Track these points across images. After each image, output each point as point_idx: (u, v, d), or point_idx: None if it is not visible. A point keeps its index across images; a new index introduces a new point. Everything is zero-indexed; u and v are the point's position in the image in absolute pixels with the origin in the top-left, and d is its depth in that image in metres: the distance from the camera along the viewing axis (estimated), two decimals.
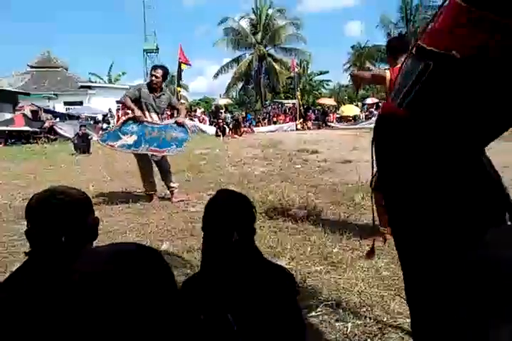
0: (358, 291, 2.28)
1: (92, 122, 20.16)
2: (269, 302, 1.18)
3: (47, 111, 19.53)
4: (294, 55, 31.88)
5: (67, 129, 16.54)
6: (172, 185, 4.82)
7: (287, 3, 78.85)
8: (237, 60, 33.91)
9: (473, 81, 0.97)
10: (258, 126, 22.81)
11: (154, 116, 4.71)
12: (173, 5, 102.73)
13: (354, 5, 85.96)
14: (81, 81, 28.35)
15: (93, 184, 5.81)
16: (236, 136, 17.26)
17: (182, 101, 20.05)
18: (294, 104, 24.69)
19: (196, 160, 8.27)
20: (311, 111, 25.78)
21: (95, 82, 31.05)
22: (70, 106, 25.06)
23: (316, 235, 3.30)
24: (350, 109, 25.80)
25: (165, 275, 0.63)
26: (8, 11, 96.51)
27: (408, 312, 2.01)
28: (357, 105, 27.72)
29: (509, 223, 1.07)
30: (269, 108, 28.46)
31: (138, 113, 4.57)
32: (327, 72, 37.83)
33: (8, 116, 17.77)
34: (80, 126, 12.84)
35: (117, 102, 23.48)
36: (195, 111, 25.15)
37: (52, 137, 16.24)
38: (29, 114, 17.17)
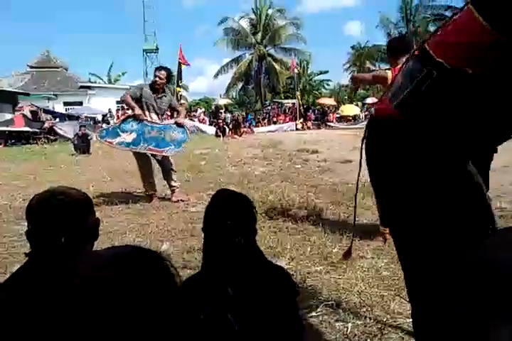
0: (358, 291, 2.28)
1: (91, 122, 20.15)
2: (270, 302, 1.18)
3: (46, 111, 19.51)
4: (293, 55, 31.83)
5: (66, 130, 16.53)
6: (173, 183, 4.82)
7: (287, 3, 79.24)
8: (237, 60, 33.89)
9: (478, 94, 0.98)
10: (258, 126, 22.80)
11: (154, 116, 4.71)
12: (173, 5, 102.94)
13: (354, 5, 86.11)
14: (81, 81, 28.34)
15: (93, 184, 5.80)
16: (236, 136, 17.25)
17: (182, 101, 20.04)
18: (293, 104, 24.69)
19: (196, 160, 8.27)
20: (311, 111, 25.79)
21: (95, 83, 31.04)
22: (70, 107, 25.05)
23: (316, 235, 3.30)
24: (350, 109, 25.81)
25: (165, 278, 0.63)
26: (8, 11, 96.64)
27: (408, 312, 2.02)
28: (357, 105, 27.72)
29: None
30: (269, 108, 28.44)
31: (138, 111, 4.57)
32: (327, 71, 37.88)
33: (8, 116, 17.75)
34: (80, 127, 12.82)
35: (117, 102, 23.52)
36: (196, 111, 25.14)
37: (52, 137, 16.23)
38: (28, 115, 17.15)
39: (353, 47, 35.01)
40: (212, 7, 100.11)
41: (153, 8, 39.40)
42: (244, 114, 25.45)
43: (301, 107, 23.76)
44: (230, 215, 1.23)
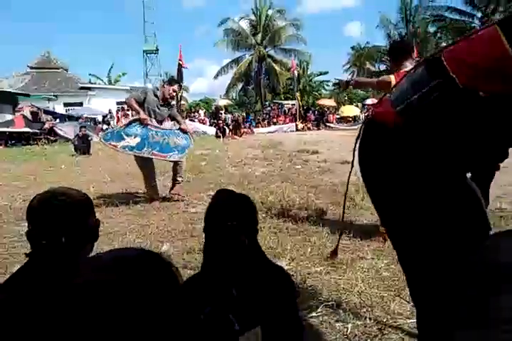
0: (358, 292, 2.28)
1: (92, 123, 20.17)
2: (270, 302, 1.18)
3: (47, 112, 19.53)
4: (293, 55, 31.89)
5: (67, 130, 16.55)
6: (179, 179, 4.89)
7: (287, 4, 79.38)
8: (237, 61, 33.91)
9: (484, 113, 0.98)
10: (258, 126, 22.82)
11: (154, 122, 4.73)
12: (173, 5, 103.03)
13: (354, 6, 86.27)
14: (81, 82, 28.37)
15: (93, 185, 5.81)
16: (236, 136, 17.28)
17: (182, 102, 20.05)
18: (293, 104, 24.70)
19: (196, 161, 8.28)
20: (310, 111, 25.79)
21: (95, 83, 31.05)
22: (70, 108, 25.07)
23: (316, 236, 3.30)
24: (350, 110, 25.83)
25: (168, 280, 0.63)
26: (8, 11, 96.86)
27: (408, 312, 2.02)
28: (357, 106, 27.71)
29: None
30: (269, 109, 28.45)
31: (143, 115, 4.59)
32: (327, 72, 37.79)
33: (8, 117, 17.75)
34: (80, 127, 12.83)
35: (117, 103, 23.53)
36: (197, 111, 25.15)
37: (52, 138, 16.26)
38: (29, 115, 17.17)
39: (352, 48, 35.05)
40: (212, 8, 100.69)
41: (154, 9, 39.32)
42: (244, 114, 25.47)
43: (301, 108, 23.76)
44: (230, 215, 1.23)
